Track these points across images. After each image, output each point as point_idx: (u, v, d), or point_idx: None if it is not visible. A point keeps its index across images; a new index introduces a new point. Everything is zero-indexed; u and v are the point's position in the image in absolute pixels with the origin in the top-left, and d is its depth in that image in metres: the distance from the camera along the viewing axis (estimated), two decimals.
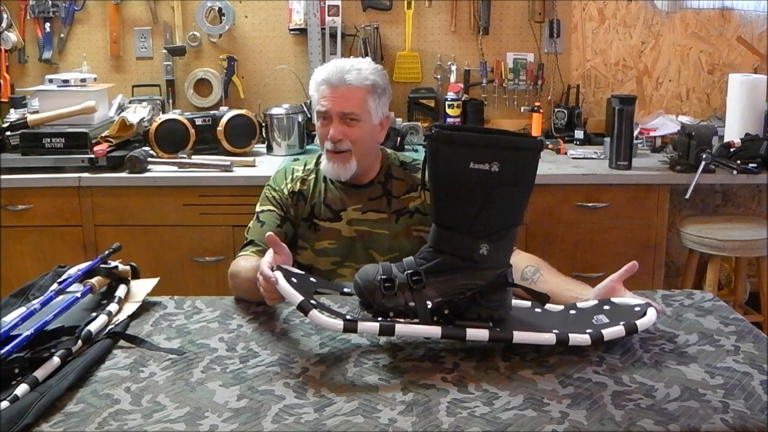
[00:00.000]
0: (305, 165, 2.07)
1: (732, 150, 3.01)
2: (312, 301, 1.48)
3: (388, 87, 2.01)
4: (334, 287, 1.63)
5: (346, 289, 1.60)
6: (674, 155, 3.03)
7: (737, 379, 1.39)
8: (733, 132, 3.14)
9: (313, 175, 2.04)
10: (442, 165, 1.46)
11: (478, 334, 1.45)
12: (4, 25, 3.43)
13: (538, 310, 1.63)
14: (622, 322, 1.51)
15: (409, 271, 1.48)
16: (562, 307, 1.65)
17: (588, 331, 1.49)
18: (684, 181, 2.92)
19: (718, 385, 1.37)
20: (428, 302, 1.46)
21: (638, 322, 1.51)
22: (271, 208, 2.00)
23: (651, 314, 1.54)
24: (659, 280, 3.04)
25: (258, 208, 2.02)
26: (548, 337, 1.46)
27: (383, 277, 1.47)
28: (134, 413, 1.31)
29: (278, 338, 1.59)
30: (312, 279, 1.61)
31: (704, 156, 2.87)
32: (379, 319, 1.46)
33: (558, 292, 1.72)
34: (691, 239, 2.99)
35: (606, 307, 1.61)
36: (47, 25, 3.48)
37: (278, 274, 1.49)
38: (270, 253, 1.58)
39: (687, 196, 2.90)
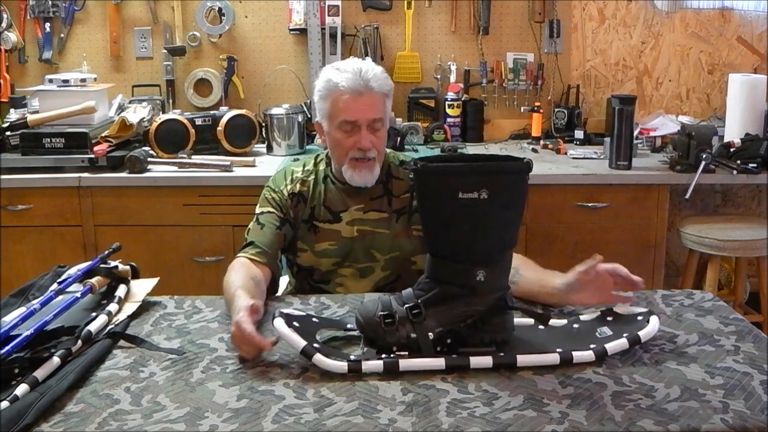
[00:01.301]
0: (304, 166, 2.06)
1: (732, 150, 3.01)
2: (315, 345, 1.48)
3: None
4: (336, 325, 1.63)
5: (349, 326, 1.60)
6: (674, 155, 3.03)
7: (737, 379, 1.39)
8: (733, 132, 3.14)
9: (312, 176, 2.03)
10: (430, 197, 1.47)
11: (481, 361, 1.45)
12: (4, 25, 3.43)
13: (541, 327, 1.62)
14: (625, 334, 1.52)
15: (409, 305, 1.48)
16: (565, 321, 1.64)
17: (592, 346, 1.49)
18: (684, 181, 2.92)
19: (718, 385, 1.37)
20: (430, 333, 1.47)
21: (641, 333, 1.51)
22: (271, 209, 1.98)
23: (654, 323, 1.54)
24: (659, 280, 3.04)
25: (258, 210, 2.01)
26: (552, 358, 1.47)
27: (383, 313, 1.48)
28: (134, 413, 1.31)
29: (278, 338, 1.59)
30: (314, 319, 1.61)
31: (704, 156, 2.87)
32: (383, 356, 1.47)
33: (536, 291, 1.74)
34: (691, 239, 2.99)
35: (609, 318, 1.62)
36: (47, 25, 3.48)
37: (279, 321, 1.49)
38: (245, 310, 1.51)
39: (687, 196, 2.89)
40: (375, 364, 1.44)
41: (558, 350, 1.48)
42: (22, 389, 1.32)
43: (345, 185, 1.99)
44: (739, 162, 2.94)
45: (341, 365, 1.43)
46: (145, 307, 1.76)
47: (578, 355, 1.47)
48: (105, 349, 1.53)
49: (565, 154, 3.23)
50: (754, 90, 3.16)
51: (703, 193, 3.54)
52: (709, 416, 1.27)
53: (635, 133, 3.19)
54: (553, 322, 1.62)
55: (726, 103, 3.28)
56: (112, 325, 1.63)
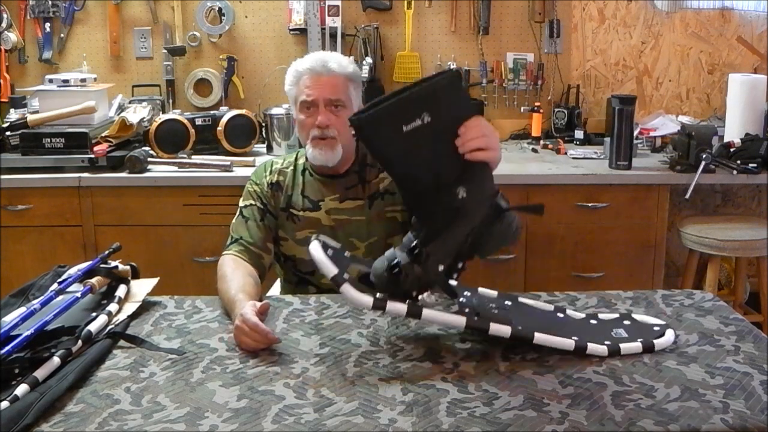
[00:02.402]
0: (285, 159, 2.12)
1: (732, 150, 3.01)
2: (345, 276, 1.47)
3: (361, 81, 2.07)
4: (366, 264, 1.60)
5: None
6: (674, 155, 3.03)
7: (737, 379, 1.39)
8: (733, 132, 3.14)
9: (291, 168, 2.08)
10: (381, 145, 1.47)
11: (500, 329, 1.46)
12: (4, 25, 3.43)
13: (560, 315, 1.64)
14: (640, 339, 1.52)
15: (409, 248, 1.48)
16: (583, 315, 1.65)
17: (606, 342, 1.50)
18: (684, 181, 2.92)
19: (718, 385, 1.37)
20: (440, 266, 1.47)
21: (656, 341, 1.52)
22: (252, 202, 2.03)
23: (669, 335, 1.54)
24: (659, 280, 3.03)
25: (241, 203, 2.05)
26: (568, 343, 1.47)
27: (389, 265, 1.48)
28: (134, 413, 1.31)
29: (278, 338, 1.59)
30: (346, 254, 1.61)
31: (704, 156, 2.87)
32: (409, 302, 1.46)
33: None
34: (691, 239, 2.98)
35: (626, 322, 1.62)
36: (47, 25, 3.48)
37: (315, 245, 1.50)
38: (251, 304, 1.60)
39: (687, 196, 2.89)
40: (399, 306, 1.43)
41: (574, 338, 1.48)
42: (22, 389, 1.32)
43: (321, 176, 2.03)
44: (739, 162, 2.94)
45: (367, 300, 1.42)
46: (145, 307, 1.76)
47: (592, 347, 1.48)
48: (105, 349, 1.53)
49: (565, 154, 3.23)
50: (754, 90, 3.15)
51: (703, 193, 3.54)
52: (709, 416, 1.27)
53: (635, 133, 3.19)
54: (570, 313, 1.64)
55: (726, 103, 3.27)
56: (112, 325, 1.63)
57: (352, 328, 1.64)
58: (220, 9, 3.44)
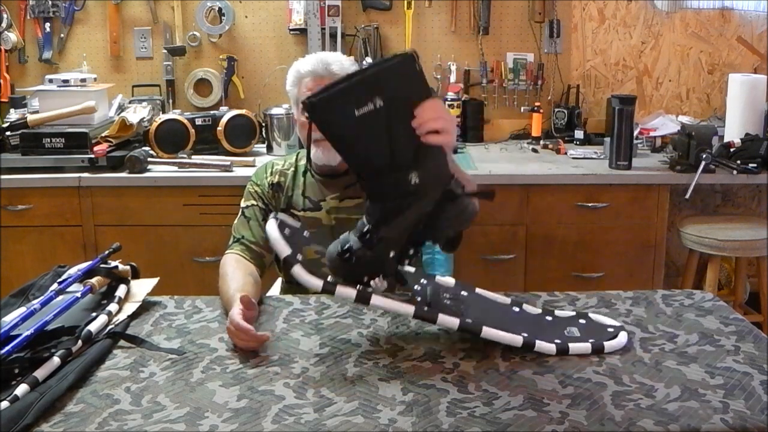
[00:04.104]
0: (286, 160, 2.13)
1: (732, 150, 3.01)
2: (299, 257, 1.48)
3: None
4: (325, 244, 1.58)
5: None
6: (674, 155, 3.03)
7: (737, 379, 1.39)
8: (733, 132, 3.14)
9: (291, 169, 2.09)
10: (333, 128, 1.45)
11: (448, 321, 1.47)
12: (4, 25, 3.43)
13: (515, 309, 1.65)
14: (591, 340, 1.52)
15: (361, 232, 1.47)
16: (539, 311, 1.66)
17: (557, 341, 1.50)
18: (684, 181, 2.92)
19: (718, 385, 1.37)
20: (391, 252, 1.47)
21: (606, 343, 1.52)
22: (254, 202, 2.04)
23: (622, 338, 1.55)
24: (659, 280, 3.04)
25: (242, 204, 2.06)
26: (516, 340, 1.48)
27: (341, 249, 1.47)
28: (134, 413, 1.31)
29: (278, 338, 1.59)
30: (305, 234, 1.61)
31: (704, 156, 2.87)
32: (359, 287, 1.46)
33: None
34: (691, 239, 2.99)
35: (581, 321, 1.63)
36: (47, 25, 3.48)
37: (272, 224, 1.50)
38: (238, 305, 1.59)
39: (687, 196, 2.90)
40: (348, 291, 1.44)
41: (524, 334, 1.49)
42: (22, 389, 1.32)
43: (321, 176, 2.04)
44: (739, 162, 2.94)
45: (317, 283, 1.43)
46: (145, 307, 1.76)
47: (540, 345, 1.48)
48: (105, 349, 1.53)
49: (565, 154, 3.23)
50: (754, 90, 3.16)
51: (703, 193, 3.54)
52: (709, 416, 1.27)
53: (635, 133, 3.19)
54: (527, 308, 1.65)
55: (726, 103, 3.28)
56: (112, 325, 1.63)
57: (352, 328, 1.64)
58: (220, 9, 3.44)
